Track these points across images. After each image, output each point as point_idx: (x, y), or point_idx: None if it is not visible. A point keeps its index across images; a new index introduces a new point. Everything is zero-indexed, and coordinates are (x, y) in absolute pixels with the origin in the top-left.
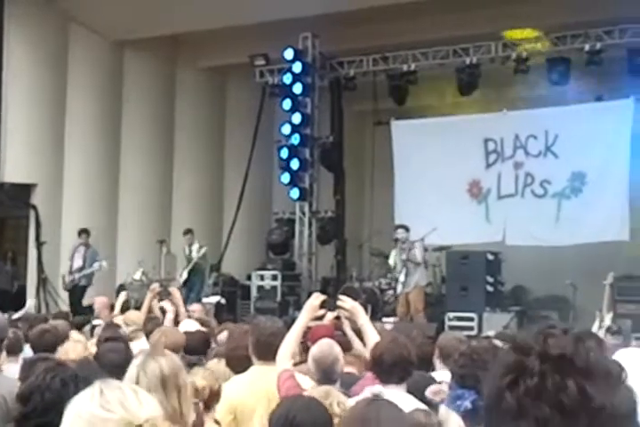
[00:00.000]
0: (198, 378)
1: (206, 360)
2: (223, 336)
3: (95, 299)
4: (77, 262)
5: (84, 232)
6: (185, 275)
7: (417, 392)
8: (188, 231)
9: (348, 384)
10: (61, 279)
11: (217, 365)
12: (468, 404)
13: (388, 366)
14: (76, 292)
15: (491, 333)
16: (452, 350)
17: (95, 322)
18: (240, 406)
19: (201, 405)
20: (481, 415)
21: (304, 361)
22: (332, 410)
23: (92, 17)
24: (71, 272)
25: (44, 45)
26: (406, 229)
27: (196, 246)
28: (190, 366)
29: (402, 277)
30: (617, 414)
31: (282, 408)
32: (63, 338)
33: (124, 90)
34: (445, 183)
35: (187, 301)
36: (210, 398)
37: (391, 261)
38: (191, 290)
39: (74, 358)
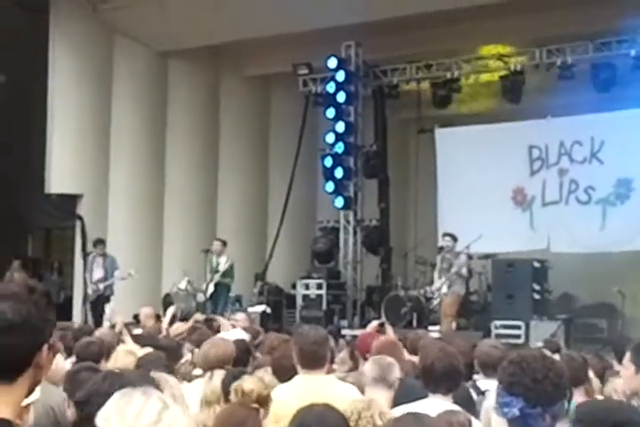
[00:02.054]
0: (246, 382)
1: (251, 370)
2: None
3: (141, 309)
4: (98, 273)
5: (100, 242)
6: (211, 288)
7: (461, 403)
8: (220, 241)
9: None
10: (83, 292)
11: (263, 374)
12: (516, 411)
13: (439, 375)
14: (101, 302)
15: (540, 344)
16: (487, 358)
17: (136, 331)
18: (285, 416)
19: (262, 411)
20: (528, 423)
21: (352, 369)
22: (373, 422)
23: (136, 28)
24: (94, 283)
25: (89, 57)
26: (454, 238)
27: (223, 259)
28: (235, 377)
29: (444, 289)
30: None
31: (297, 417)
32: (109, 349)
33: (168, 100)
34: (489, 191)
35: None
36: (259, 403)
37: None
38: (216, 305)
39: (119, 366)
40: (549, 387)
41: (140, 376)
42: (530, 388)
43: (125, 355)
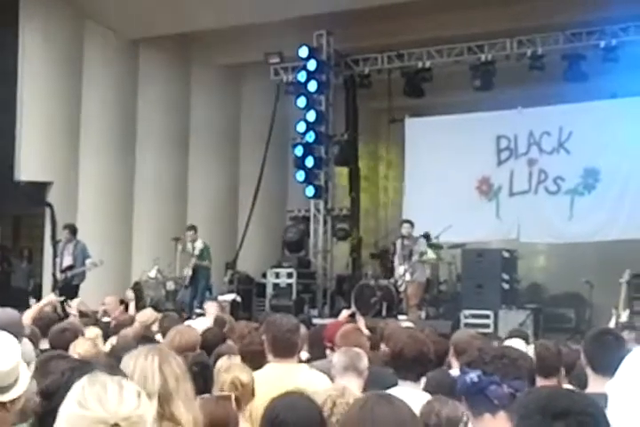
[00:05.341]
0: (241, 374)
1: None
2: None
3: (105, 298)
4: (67, 261)
5: (67, 227)
6: (189, 272)
7: (436, 389)
8: (192, 228)
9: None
10: (52, 279)
11: (227, 362)
12: (474, 376)
13: (409, 362)
14: (69, 291)
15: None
16: (466, 347)
17: (105, 319)
18: (257, 404)
19: (234, 401)
20: (485, 393)
21: (320, 357)
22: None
23: (108, 15)
24: (62, 271)
25: (59, 44)
26: (411, 224)
27: (198, 243)
28: (199, 365)
29: (408, 276)
30: None
31: (268, 406)
32: (78, 335)
33: (139, 88)
34: (454, 181)
35: (193, 299)
36: (250, 396)
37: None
38: (196, 289)
39: (81, 353)
40: (507, 361)
41: (109, 367)
42: (486, 362)
43: (85, 343)
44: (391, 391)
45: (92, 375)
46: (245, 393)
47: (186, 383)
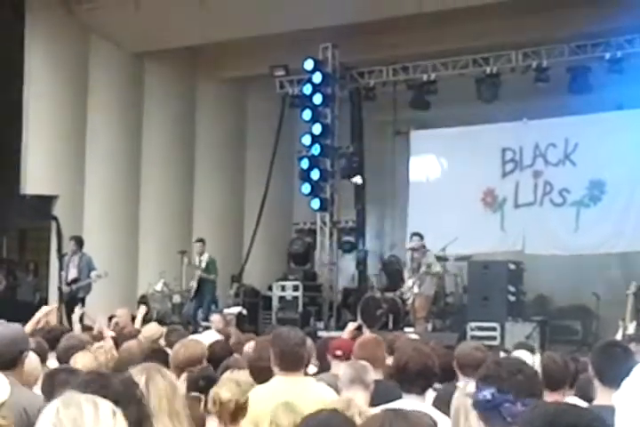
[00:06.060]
0: (223, 390)
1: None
2: (249, 347)
3: (117, 310)
4: (72, 274)
5: (72, 239)
6: (195, 286)
7: (449, 403)
8: (199, 240)
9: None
10: (58, 292)
11: (227, 376)
12: (487, 394)
13: (413, 376)
14: (75, 304)
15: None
16: (469, 360)
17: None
18: (263, 417)
19: (227, 418)
20: (499, 410)
21: (325, 370)
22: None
23: (112, 29)
24: (68, 284)
25: (65, 57)
26: (421, 236)
27: (205, 256)
28: (206, 379)
29: (416, 289)
30: None
31: (302, 423)
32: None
33: (144, 101)
34: (459, 193)
35: (196, 312)
36: (235, 412)
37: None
38: (201, 302)
39: (81, 368)
40: (523, 378)
41: (123, 382)
42: (504, 378)
43: (84, 356)
44: (395, 405)
45: (65, 396)
46: (224, 411)
47: (173, 403)
